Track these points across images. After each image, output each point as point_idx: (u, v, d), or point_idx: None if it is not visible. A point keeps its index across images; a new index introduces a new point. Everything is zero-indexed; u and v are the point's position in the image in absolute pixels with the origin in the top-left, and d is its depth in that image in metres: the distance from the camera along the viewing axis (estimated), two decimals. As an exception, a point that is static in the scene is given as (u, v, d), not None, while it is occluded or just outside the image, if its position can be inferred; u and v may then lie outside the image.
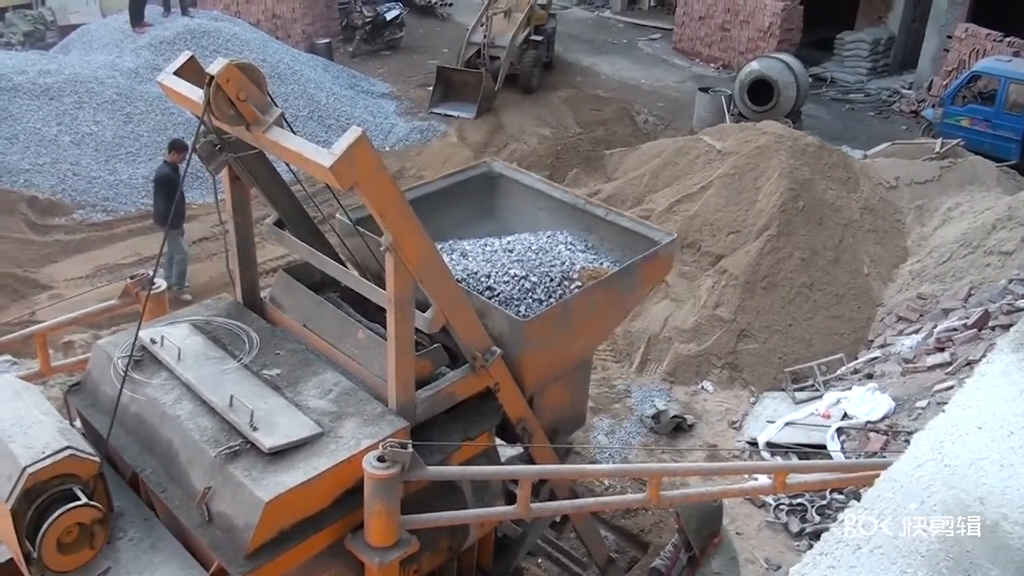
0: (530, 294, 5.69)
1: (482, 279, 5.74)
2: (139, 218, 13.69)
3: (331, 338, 5.34)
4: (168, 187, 11.26)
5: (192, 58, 4.94)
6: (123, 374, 4.86)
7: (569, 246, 6.11)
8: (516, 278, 5.75)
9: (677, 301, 11.08)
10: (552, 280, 5.79)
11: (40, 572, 4.27)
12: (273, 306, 5.73)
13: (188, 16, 18.45)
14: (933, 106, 18.59)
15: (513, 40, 19.05)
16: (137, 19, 17.91)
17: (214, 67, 4.15)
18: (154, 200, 11.98)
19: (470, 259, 5.91)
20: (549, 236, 6.19)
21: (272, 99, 4.35)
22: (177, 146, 11.33)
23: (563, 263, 5.91)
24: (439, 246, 5.25)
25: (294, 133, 4.36)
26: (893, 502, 2.94)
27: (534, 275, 5.78)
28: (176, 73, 4.86)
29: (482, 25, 19.17)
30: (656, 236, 6.07)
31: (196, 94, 4.53)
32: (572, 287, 5.74)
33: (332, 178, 3.97)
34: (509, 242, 6.09)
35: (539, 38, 20.18)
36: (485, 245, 6.08)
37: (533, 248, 6.01)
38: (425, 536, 4.77)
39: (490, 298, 5.54)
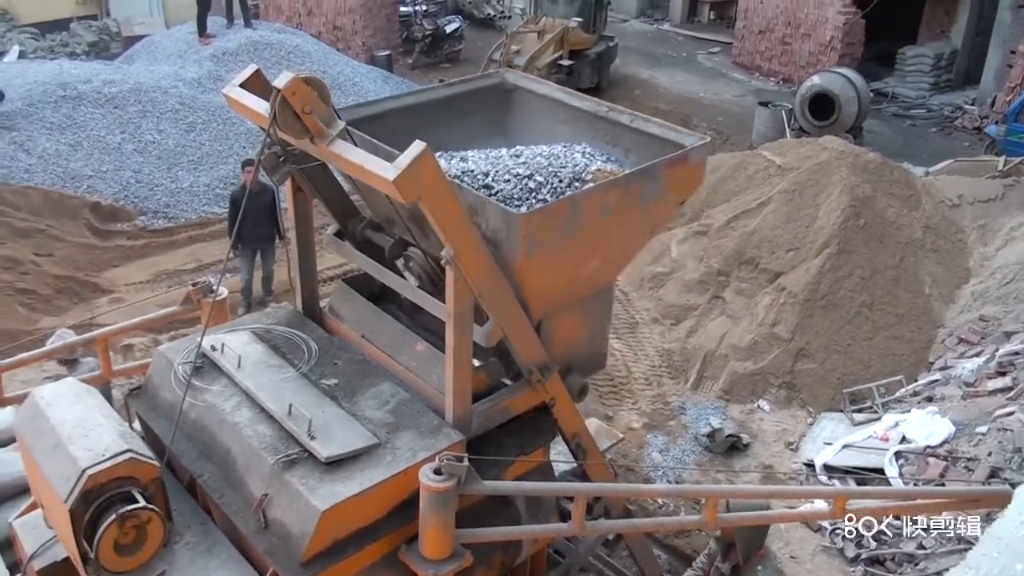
0: (534, 194, 5.04)
1: (479, 177, 5.12)
2: (200, 225, 13.92)
3: (389, 349, 5.36)
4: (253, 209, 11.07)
5: (258, 71, 4.99)
6: (185, 381, 4.92)
7: (587, 155, 5.43)
8: (519, 177, 5.12)
9: (734, 318, 10.97)
10: (561, 181, 5.12)
11: (96, 572, 4.33)
12: (332, 316, 5.77)
13: (251, 28, 18.76)
14: (996, 123, 18.21)
15: (532, 61, 18.44)
16: (201, 30, 18.25)
17: (280, 80, 4.18)
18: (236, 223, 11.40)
19: (470, 162, 5.31)
20: (565, 146, 5.52)
21: (336, 112, 4.38)
22: (249, 164, 11.27)
23: (575, 166, 5.27)
24: (437, 155, 4.85)
25: (356, 146, 4.39)
26: (999, 562, 2.84)
27: (540, 175, 5.14)
28: (242, 85, 4.91)
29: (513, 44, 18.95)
30: (689, 141, 5.37)
31: (262, 107, 4.57)
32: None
33: (395, 191, 4.00)
34: (518, 150, 5.46)
35: (568, 63, 19.35)
36: (489, 152, 5.48)
37: (543, 155, 5.37)
38: (479, 550, 4.75)
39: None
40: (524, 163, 5.23)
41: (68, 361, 8.09)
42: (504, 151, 5.44)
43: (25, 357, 6.80)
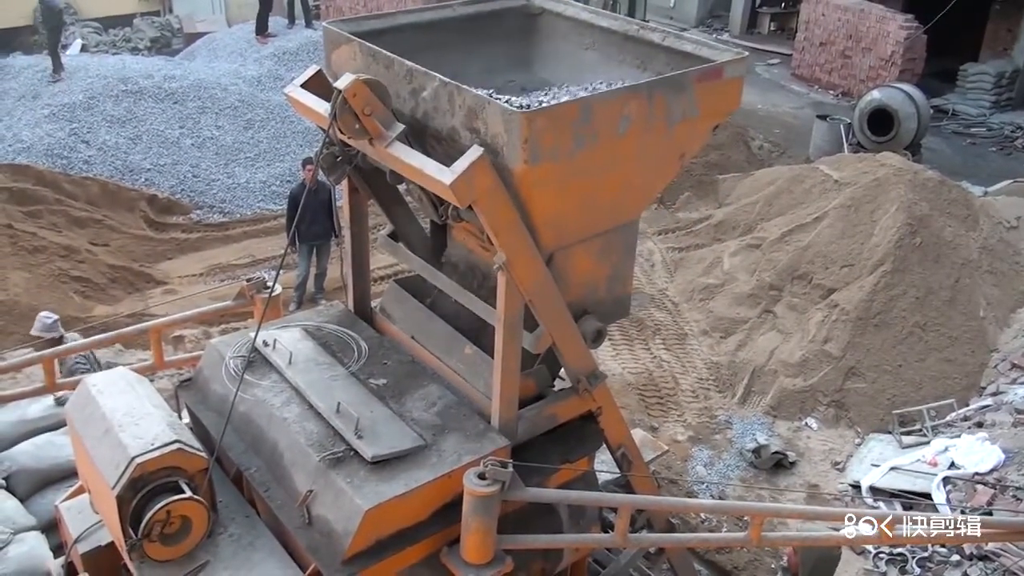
0: (541, 105, 4.50)
1: (478, 86, 4.61)
2: (254, 221, 14.04)
3: (438, 352, 5.38)
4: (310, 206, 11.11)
5: (319, 72, 5.04)
6: (238, 376, 4.98)
7: (608, 87, 4.84)
8: (523, 91, 4.66)
9: (784, 333, 10.84)
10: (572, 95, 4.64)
11: (140, 559, 4.40)
12: (383, 316, 5.80)
13: (312, 28, 18.92)
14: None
15: None
16: (262, 29, 18.46)
17: (342, 82, 4.22)
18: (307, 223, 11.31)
19: None
20: (581, 86, 5.03)
21: (395, 115, 4.41)
22: (309, 163, 11.18)
23: (590, 84, 4.80)
24: None
25: (414, 149, 4.41)
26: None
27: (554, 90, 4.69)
28: (303, 86, 4.97)
29: None
30: (725, 57, 4.84)
31: (322, 107, 4.62)
32: None
33: (452, 195, 4.01)
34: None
35: None
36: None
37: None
38: (519, 556, 4.76)
39: None
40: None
41: (53, 340, 7.74)
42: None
43: (76, 345, 6.93)
